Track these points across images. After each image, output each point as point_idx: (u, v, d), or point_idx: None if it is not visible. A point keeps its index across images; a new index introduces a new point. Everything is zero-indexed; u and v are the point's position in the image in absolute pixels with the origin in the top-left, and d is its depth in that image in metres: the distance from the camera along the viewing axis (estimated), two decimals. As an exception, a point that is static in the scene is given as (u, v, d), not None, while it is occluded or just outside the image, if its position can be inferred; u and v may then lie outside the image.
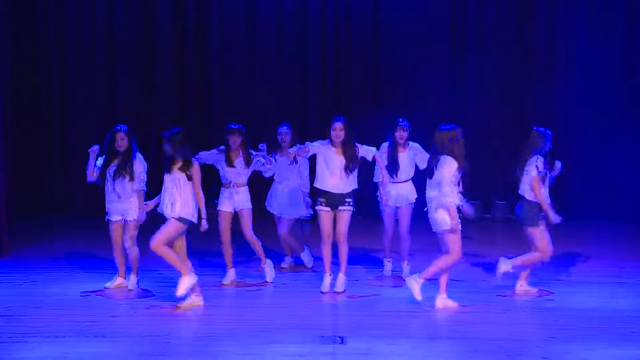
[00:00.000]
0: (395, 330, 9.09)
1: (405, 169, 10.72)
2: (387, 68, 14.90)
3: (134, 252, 10.29)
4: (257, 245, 10.74)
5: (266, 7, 14.88)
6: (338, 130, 10.12)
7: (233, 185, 10.57)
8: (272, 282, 10.87)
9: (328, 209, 10.27)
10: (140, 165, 10.11)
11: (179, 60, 14.99)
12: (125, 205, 10.09)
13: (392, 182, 10.56)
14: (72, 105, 14.95)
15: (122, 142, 9.99)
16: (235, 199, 10.62)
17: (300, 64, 15.07)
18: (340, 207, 10.24)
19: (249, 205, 10.68)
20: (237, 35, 14.93)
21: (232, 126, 10.55)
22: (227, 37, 14.93)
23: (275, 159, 10.96)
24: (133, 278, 10.42)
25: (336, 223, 10.28)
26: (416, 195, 10.74)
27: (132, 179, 10.02)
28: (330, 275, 10.38)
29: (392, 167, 10.63)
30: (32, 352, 8.35)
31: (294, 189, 11.17)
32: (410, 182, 10.80)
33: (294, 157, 10.64)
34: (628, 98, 14.82)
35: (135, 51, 14.97)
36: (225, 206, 10.66)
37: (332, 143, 10.15)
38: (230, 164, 10.55)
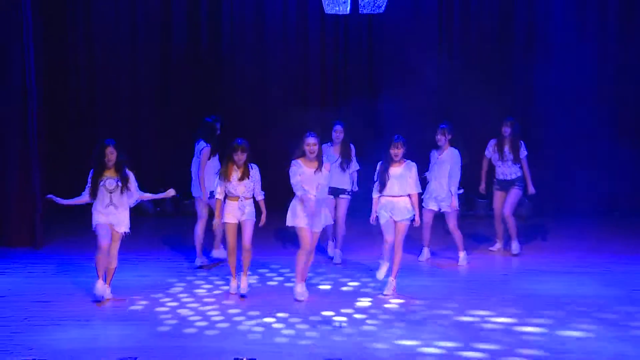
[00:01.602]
0: (386, 316, 9.17)
1: (400, 184, 9.78)
2: (380, 55, 14.64)
3: (114, 263, 9.60)
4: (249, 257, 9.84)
5: (272, 9, 14.84)
6: (338, 132, 11.06)
7: (241, 199, 9.72)
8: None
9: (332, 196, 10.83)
10: (132, 177, 9.58)
11: (194, 61, 14.81)
12: (119, 217, 9.47)
13: (385, 196, 9.81)
14: (100, 107, 14.74)
15: (111, 156, 9.40)
16: (242, 212, 9.72)
17: (302, 56, 14.87)
18: (340, 196, 11.09)
19: (253, 217, 9.80)
20: (246, 41, 14.86)
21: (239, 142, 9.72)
22: (237, 39, 14.84)
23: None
24: (107, 287, 9.62)
25: (336, 209, 11.04)
26: (413, 213, 9.87)
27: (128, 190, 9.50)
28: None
29: (382, 183, 9.80)
30: (64, 334, 8.48)
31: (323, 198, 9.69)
32: (406, 198, 9.82)
33: (320, 165, 9.51)
34: (600, 95, 14.54)
35: (155, 55, 14.79)
36: (231, 218, 9.75)
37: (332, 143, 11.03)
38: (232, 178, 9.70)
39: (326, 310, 9.27)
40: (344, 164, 11.07)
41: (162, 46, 14.80)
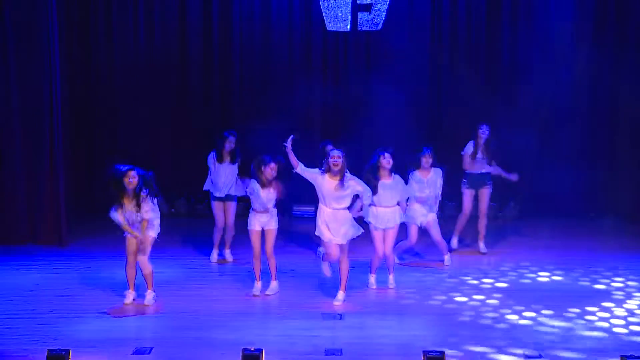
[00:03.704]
0: (384, 308, 9.16)
1: (390, 196, 9.67)
2: (377, 70, 14.55)
3: (149, 268, 9.24)
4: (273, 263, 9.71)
5: (279, 26, 14.80)
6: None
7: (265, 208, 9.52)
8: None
9: None
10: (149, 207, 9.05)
11: (206, 71, 14.79)
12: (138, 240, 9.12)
13: (376, 206, 9.65)
14: (120, 113, 14.62)
15: (133, 180, 8.90)
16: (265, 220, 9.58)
17: (306, 69, 14.75)
18: None
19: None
20: (254, 57, 14.85)
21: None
22: (246, 55, 14.83)
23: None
24: (150, 294, 9.29)
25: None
26: (402, 220, 9.87)
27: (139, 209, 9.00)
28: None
29: (373, 193, 9.51)
30: (86, 326, 8.49)
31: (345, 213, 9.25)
32: (396, 207, 9.72)
33: (342, 181, 8.99)
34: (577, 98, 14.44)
35: (170, 66, 14.75)
36: (255, 225, 9.56)
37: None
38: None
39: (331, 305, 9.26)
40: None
41: (179, 60, 14.82)
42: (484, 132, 11.50)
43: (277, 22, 14.75)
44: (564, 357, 7.59)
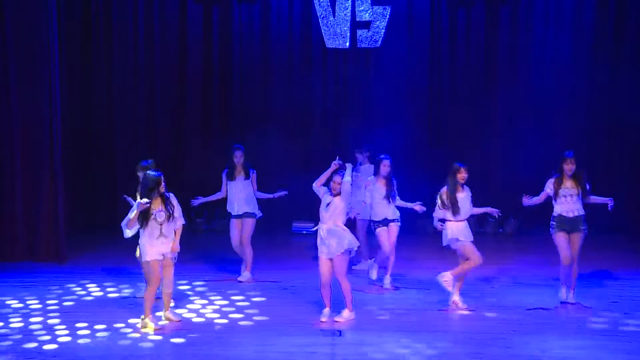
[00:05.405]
0: (383, 325, 9.10)
1: (465, 208, 9.59)
2: (377, 85, 14.59)
3: (171, 287, 9.15)
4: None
5: (278, 45, 14.81)
6: (387, 166, 10.54)
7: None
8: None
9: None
10: (175, 201, 9.03)
11: (206, 90, 14.88)
12: (169, 245, 8.89)
13: (457, 221, 9.59)
14: (119, 131, 14.65)
15: (163, 185, 8.86)
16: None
17: (306, 87, 14.77)
18: (390, 224, 10.61)
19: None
20: (254, 75, 14.89)
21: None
22: (246, 73, 14.85)
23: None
24: (167, 313, 9.18)
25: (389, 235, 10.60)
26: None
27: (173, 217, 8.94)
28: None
29: (454, 207, 9.52)
30: (84, 342, 8.43)
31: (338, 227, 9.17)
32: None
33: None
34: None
35: (171, 78, 14.82)
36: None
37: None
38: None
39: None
40: (391, 196, 10.52)
41: (179, 78, 14.87)
42: (572, 164, 9.82)
43: (276, 41, 14.75)
44: None
